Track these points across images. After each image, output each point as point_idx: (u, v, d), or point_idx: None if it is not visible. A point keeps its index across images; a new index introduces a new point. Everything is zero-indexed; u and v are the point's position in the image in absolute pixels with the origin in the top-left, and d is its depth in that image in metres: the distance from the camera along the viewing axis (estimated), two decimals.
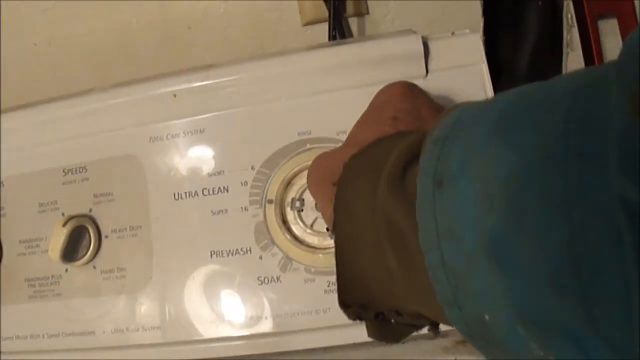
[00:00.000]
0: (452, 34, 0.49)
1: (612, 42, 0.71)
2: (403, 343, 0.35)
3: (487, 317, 0.23)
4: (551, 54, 0.73)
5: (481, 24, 0.71)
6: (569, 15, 0.72)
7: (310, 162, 0.46)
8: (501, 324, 0.22)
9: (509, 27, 0.75)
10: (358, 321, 0.33)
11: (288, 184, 0.47)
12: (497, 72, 0.74)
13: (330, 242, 0.46)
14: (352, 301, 0.32)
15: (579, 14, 0.72)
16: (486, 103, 0.26)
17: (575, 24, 0.72)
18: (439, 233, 0.24)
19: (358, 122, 0.39)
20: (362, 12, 0.70)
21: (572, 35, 0.73)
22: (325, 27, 0.67)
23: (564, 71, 0.73)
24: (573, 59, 0.73)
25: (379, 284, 0.30)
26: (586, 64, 0.72)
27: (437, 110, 0.38)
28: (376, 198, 0.28)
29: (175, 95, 0.49)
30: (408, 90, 0.38)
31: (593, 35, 0.71)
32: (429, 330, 0.32)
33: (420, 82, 0.46)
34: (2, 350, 0.53)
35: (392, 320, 0.32)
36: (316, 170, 0.38)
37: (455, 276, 0.23)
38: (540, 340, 0.21)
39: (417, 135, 0.28)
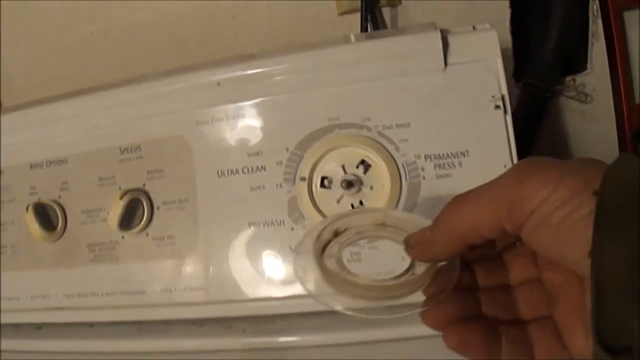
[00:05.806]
0: (474, 28, 0.52)
1: (636, 34, 0.73)
2: None
3: None
4: (577, 43, 0.75)
5: (508, 14, 0.74)
6: (594, 7, 0.74)
7: (336, 143, 0.51)
8: None
9: (536, 17, 0.76)
10: None
11: (318, 163, 0.51)
12: (524, 60, 0.77)
13: None
14: None
15: (604, 5, 0.73)
16: None
17: (600, 15, 0.74)
18: None
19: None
20: (394, 3, 0.74)
21: (597, 26, 0.74)
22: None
23: (589, 61, 0.75)
24: (597, 49, 0.74)
25: None
26: (608, 54, 0.73)
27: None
28: None
29: (219, 84, 0.54)
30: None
31: (615, 27, 0.72)
32: None
33: (439, 75, 0.50)
34: (65, 306, 0.60)
35: None
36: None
37: None
38: None
39: None
